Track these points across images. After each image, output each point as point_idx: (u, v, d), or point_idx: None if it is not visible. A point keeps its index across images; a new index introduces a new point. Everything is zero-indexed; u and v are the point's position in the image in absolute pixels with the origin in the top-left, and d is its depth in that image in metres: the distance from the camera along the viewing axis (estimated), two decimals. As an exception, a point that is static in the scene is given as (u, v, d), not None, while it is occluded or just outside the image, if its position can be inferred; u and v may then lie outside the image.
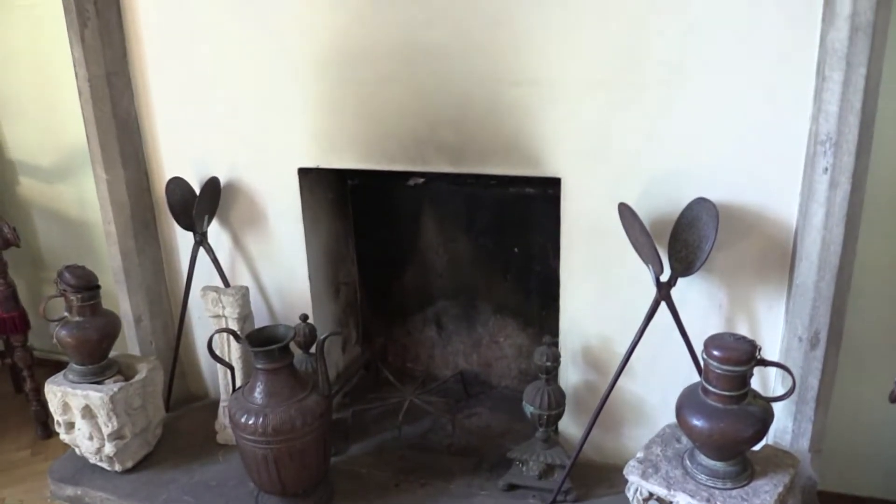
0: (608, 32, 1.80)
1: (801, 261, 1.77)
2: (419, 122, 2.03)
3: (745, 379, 1.52)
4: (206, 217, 2.32)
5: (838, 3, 1.57)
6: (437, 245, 2.57)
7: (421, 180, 2.42)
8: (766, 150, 1.77)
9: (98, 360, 2.21)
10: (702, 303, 1.93)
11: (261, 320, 2.38)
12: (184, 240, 2.46)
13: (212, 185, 2.29)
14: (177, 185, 2.32)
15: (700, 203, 1.79)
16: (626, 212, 1.81)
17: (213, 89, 2.24)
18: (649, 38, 1.77)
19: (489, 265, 2.51)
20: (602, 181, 1.92)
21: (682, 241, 1.81)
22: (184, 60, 2.26)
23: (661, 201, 1.87)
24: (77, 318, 2.16)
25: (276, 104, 2.17)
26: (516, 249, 2.43)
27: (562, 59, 1.85)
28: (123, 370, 2.28)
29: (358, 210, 2.60)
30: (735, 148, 1.79)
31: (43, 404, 2.56)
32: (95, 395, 2.14)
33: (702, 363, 1.57)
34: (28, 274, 3.10)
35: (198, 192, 2.32)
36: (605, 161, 1.90)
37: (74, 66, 2.28)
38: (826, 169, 1.66)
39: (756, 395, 1.57)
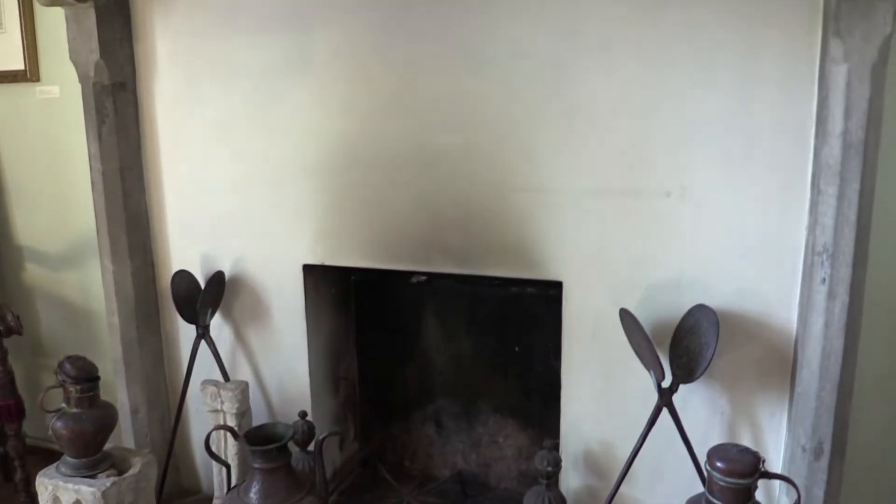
0: (609, 146, 1.87)
1: (802, 369, 1.77)
2: (425, 225, 2.08)
3: (749, 492, 1.50)
4: (210, 310, 2.33)
5: (830, 121, 1.63)
6: (438, 342, 2.57)
7: (424, 277, 2.45)
8: (764, 259, 1.80)
9: (92, 453, 2.17)
10: (704, 409, 1.92)
11: (259, 415, 2.36)
12: (185, 332, 2.47)
13: (217, 279, 2.31)
14: (182, 278, 2.35)
15: (700, 310, 1.81)
16: (626, 317, 1.83)
17: (223, 186, 2.30)
18: (649, 151, 1.83)
19: (490, 364, 2.51)
20: (603, 286, 1.94)
21: (684, 348, 1.82)
22: (195, 157, 2.33)
23: (661, 307, 1.89)
24: (74, 410, 2.13)
25: (285, 203, 2.23)
26: (517, 348, 2.44)
27: (564, 168, 1.91)
28: (117, 463, 2.24)
29: (360, 305, 2.62)
30: (734, 256, 1.82)
31: (32, 496, 2.50)
32: (87, 490, 2.10)
33: (705, 473, 1.55)
34: (27, 360, 3.08)
35: (203, 285, 2.34)
36: (606, 266, 1.93)
37: (90, 160, 2.35)
38: (824, 279, 1.69)
39: (761, 508, 1.55)
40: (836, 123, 1.62)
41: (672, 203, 1.84)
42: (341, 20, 2.06)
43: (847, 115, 1.60)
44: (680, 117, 1.80)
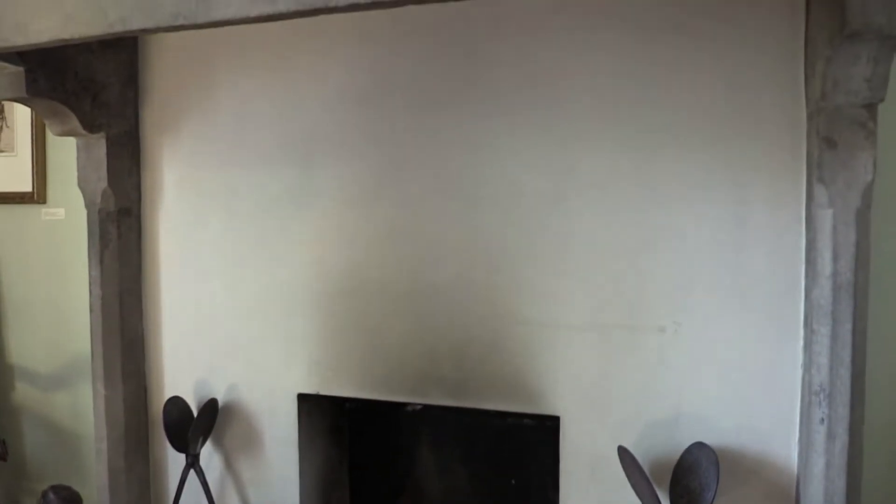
0: (603, 280, 1.90)
1: (805, 511, 1.73)
2: (421, 356, 2.09)
3: None
4: (201, 439, 2.29)
5: (819, 263, 1.67)
6: (432, 473, 2.51)
7: (419, 406, 2.42)
8: (761, 397, 1.80)
9: (71, 589, 2.09)
10: (707, 552, 1.86)
11: (246, 549, 2.28)
12: (175, 460, 2.41)
13: (210, 407, 2.29)
14: (174, 404, 2.32)
15: (699, 448, 1.79)
16: (625, 455, 1.81)
17: (220, 312, 2.31)
18: (643, 286, 1.87)
19: (485, 497, 2.44)
20: (600, 422, 1.93)
21: (684, 487, 1.79)
22: (195, 283, 2.35)
23: (659, 444, 1.87)
24: (55, 543, 2.07)
25: (282, 331, 2.24)
26: (514, 481, 2.38)
27: (558, 302, 1.94)
28: None
29: (354, 434, 2.57)
30: (730, 393, 1.82)
31: None
32: None
33: None
34: (8, 482, 3.00)
35: (195, 412, 2.31)
36: (604, 402, 1.92)
37: (90, 284, 2.37)
38: (822, 420, 1.68)
39: None
40: (825, 265, 1.65)
41: (667, 338, 1.86)
42: (343, 155, 2.14)
43: (835, 257, 1.64)
44: (673, 254, 1.84)
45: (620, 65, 1.85)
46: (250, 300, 2.27)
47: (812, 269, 1.70)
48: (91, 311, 2.38)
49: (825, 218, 1.65)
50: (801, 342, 1.76)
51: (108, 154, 2.32)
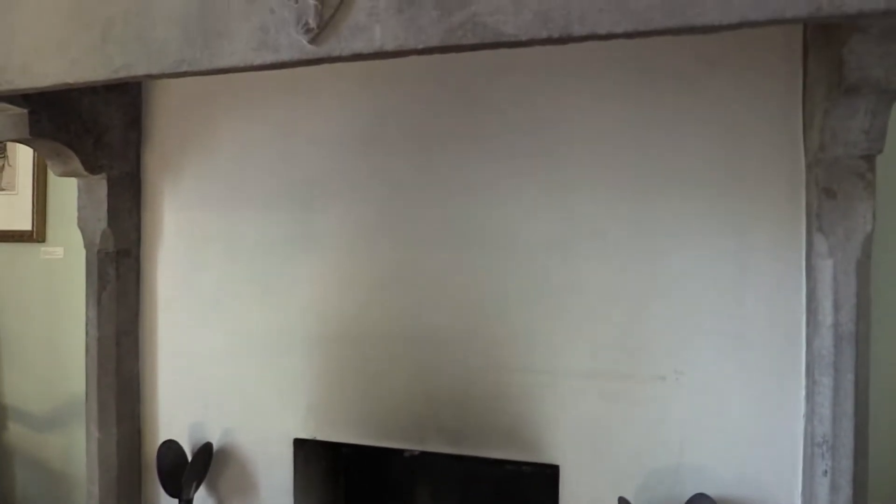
0: (604, 328, 1.89)
1: (810, 567, 1.70)
2: (419, 404, 2.07)
3: None
4: (195, 483, 2.25)
5: (820, 312, 1.66)
6: (429, 520, 2.47)
7: (417, 453, 2.39)
8: (763, 447, 1.77)
9: None
10: None
11: None
12: (167, 504, 2.38)
13: (205, 451, 2.25)
14: (169, 448, 2.29)
15: (700, 499, 1.76)
16: (626, 506, 1.78)
17: (218, 355, 2.29)
18: (643, 335, 1.86)
19: (484, 545, 2.40)
20: (600, 471, 1.90)
21: (685, 539, 1.76)
22: (193, 325, 2.34)
23: (660, 495, 1.84)
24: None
25: (279, 375, 2.22)
26: (512, 530, 2.34)
27: (559, 350, 1.93)
28: None
29: (350, 480, 2.53)
30: (732, 443, 1.79)
31: None
32: None
33: None
34: (-3, 527, 2.95)
35: (190, 456, 2.28)
36: (604, 451, 1.90)
37: (87, 325, 2.35)
38: (826, 472, 1.65)
39: None
40: (826, 315, 1.65)
41: (667, 387, 1.84)
42: (343, 199, 2.14)
43: (836, 307, 1.63)
44: (673, 303, 1.83)
45: (620, 111, 1.87)
46: (248, 343, 2.25)
47: (813, 319, 1.69)
48: (87, 352, 2.36)
49: (826, 268, 1.64)
50: (804, 392, 1.74)
51: (109, 195, 2.32)
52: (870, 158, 1.61)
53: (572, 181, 1.91)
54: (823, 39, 1.53)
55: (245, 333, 2.26)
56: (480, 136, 1.99)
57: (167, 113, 2.38)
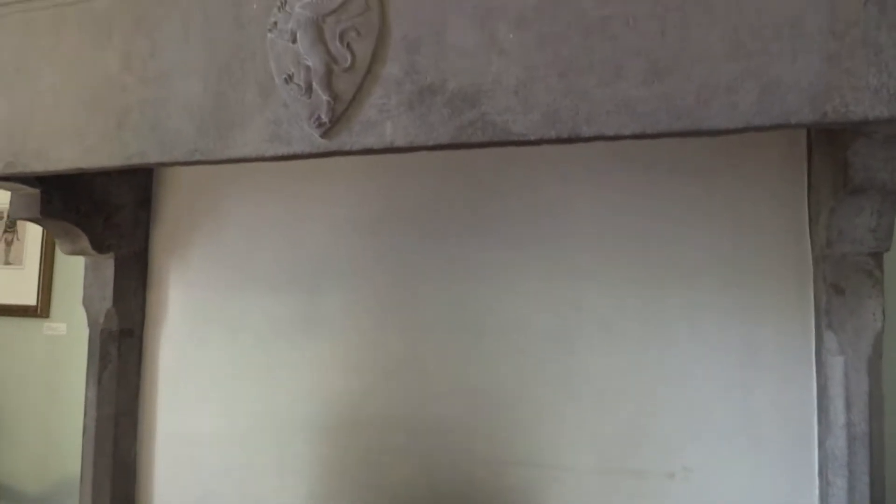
0: (610, 423, 1.86)
1: None
2: (422, 495, 2.01)
3: None
4: (187, 574, 2.19)
5: (832, 411, 1.63)
6: None
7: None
8: (777, 550, 1.72)
9: None
10: None
11: None
12: None
13: (199, 540, 2.19)
14: (163, 535, 2.23)
15: None
16: None
17: (217, 439, 2.25)
18: (650, 430, 1.82)
19: None
20: (608, 571, 1.84)
21: None
22: (193, 408, 2.30)
23: None
24: None
25: (279, 462, 2.17)
26: None
27: (564, 445, 1.89)
28: None
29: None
30: (745, 545, 1.74)
31: None
32: None
33: None
34: None
35: (183, 545, 2.22)
36: (612, 550, 1.84)
37: (86, 405, 2.32)
38: (843, 579, 1.60)
39: None
40: (838, 414, 1.62)
41: (676, 485, 1.79)
42: (349, 284, 2.14)
43: (848, 406, 1.61)
44: (680, 397, 1.80)
45: (626, 202, 1.88)
46: (248, 428, 2.21)
47: (825, 417, 1.66)
48: (84, 432, 2.32)
49: (836, 365, 1.62)
50: (817, 492, 1.69)
51: (116, 274, 2.33)
52: (877, 255, 1.61)
53: (579, 271, 1.91)
54: (827, 139, 1.55)
55: (246, 417, 2.22)
56: (487, 223, 2.00)
57: (177, 193, 2.41)
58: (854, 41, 1.20)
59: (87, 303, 2.36)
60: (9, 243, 2.97)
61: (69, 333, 2.78)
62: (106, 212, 2.27)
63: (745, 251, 1.78)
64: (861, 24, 1.20)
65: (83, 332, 2.38)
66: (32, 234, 2.92)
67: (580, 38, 1.30)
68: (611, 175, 1.90)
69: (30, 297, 2.90)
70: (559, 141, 1.30)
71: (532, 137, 1.30)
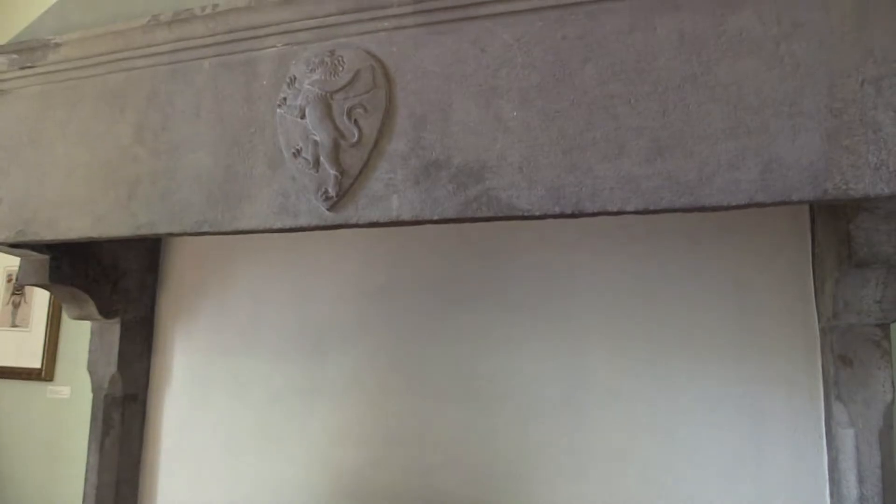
0: (619, 490, 1.82)
1: None
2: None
3: None
4: None
5: (844, 485, 1.60)
6: None
7: None
8: None
9: None
10: None
11: None
12: None
13: None
14: None
15: None
16: None
17: (219, 507, 2.23)
18: (659, 501, 1.79)
19: None
20: None
21: None
22: (194, 475, 2.28)
23: None
24: None
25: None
26: None
27: (573, 516, 1.86)
28: None
29: None
30: None
31: None
32: None
33: None
34: None
35: None
36: None
37: (87, 471, 2.30)
38: None
39: None
40: (850, 488, 1.59)
41: (688, 560, 1.75)
42: (355, 350, 2.14)
43: (861, 479, 1.58)
44: (688, 467, 1.78)
45: (631, 270, 1.89)
46: (251, 497, 2.18)
47: (837, 491, 1.63)
48: (84, 499, 2.30)
49: (847, 437, 1.60)
50: (834, 571, 1.65)
51: (122, 339, 2.33)
52: (884, 326, 1.60)
53: (586, 339, 1.90)
54: (830, 210, 1.56)
55: (247, 485, 2.19)
56: (492, 291, 2.00)
57: (185, 258, 2.43)
58: (852, 119, 1.22)
59: (91, 367, 2.36)
60: (16, 305, 2.98)
61: (73, 397, 2.76)
62: (114, 277, 2.29)
63: (750, 320, 1.78)
64: (858, 103, 1.22)
65: (87, 396, 2.38)
66: (40, 297, 2.93)
67: (583, 116, 1.32)
68: (616, 243, 1.91)
69: (35, 360, 2.89)
70: (563, 216, 1.32)
71: (537, 213, 1.32)
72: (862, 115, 1.21)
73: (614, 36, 1.34)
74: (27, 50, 1.87)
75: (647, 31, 1.32)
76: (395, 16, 1.47)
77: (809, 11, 1.25)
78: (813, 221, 1.75)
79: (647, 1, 1.33)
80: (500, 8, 1.40)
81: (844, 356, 1.62)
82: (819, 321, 1.73)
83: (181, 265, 2.42)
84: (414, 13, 1.45)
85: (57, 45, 1.83)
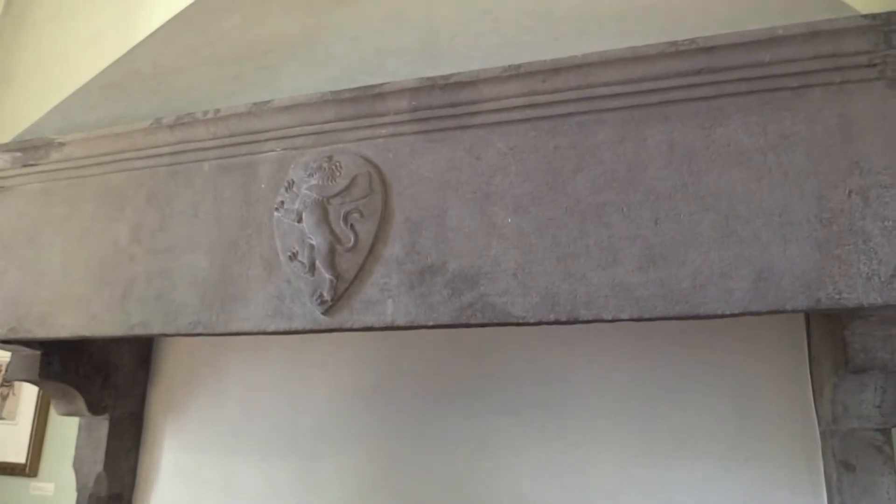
0: None
1: None
2: None
3: None
4: None
5: None
6: None
7: None
8: None
9: None
10: None
11: None
12: None
13: None
14: None
15: None
16: None
17: None
18: None
19: None
20: None
21: None
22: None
23: None
24: None
25: None
26: None
27: None
28: None
29: None
30: None
31: None
32: None
33: None
34: None
35: None
36: None
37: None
38: None
39: None
40: None
41: None
42: (347, 450, 2.09)
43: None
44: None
45: (628, 374, 1.87)
46: None
47: None
48: None
49: (856, 544, 1.56)
50: None
51: (110, 435, 2.28)
52: (886, 431, 1.58)
53: (581, 443, 1.87)
54: (825, 314, 1.56)
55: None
56: (488, 393, 1.98)
57: (177, 353, 2.40)
58: (842, 229, 1.24)
59: (77, 465, 2.30)
60: (3, 397, 2.93)
61: (57, 494, 2.68)
62: (105, 372, 2.26)
63: (750, 424, 1.75)
64: (847, 213, 1.24)
65: (71, 494, 2.31)
66: (28, 389, 2.88)
67: (576, 224, 1.34)
68: (612, 344, 1.90)
69: (19, 455, 2.82)
70: (558, 323, 1.32)
71: (531, 320, 1.32)
72: (851, 225, 1.23)
73: (606, 146, 1.37)
74: (31, 148, 1.90)
75: (637, 142, 1.35)
76: (391, 123, 1.51)
77: (794, 124, 1.29)
78: (808, 323, 1.75)
79: (636, 112, 1.37)
80: (494, 118, 1.44)
81: (847, 462, 1.59)
82: (819, 425, 1.70)
83: (174, 360, 2.40)
84: (410, 121, 1.49)
85: (61, 144, 1.86)
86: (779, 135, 1.29)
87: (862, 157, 1.25)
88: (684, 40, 1.32)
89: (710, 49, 1.31)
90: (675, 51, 1.32)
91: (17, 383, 2.90)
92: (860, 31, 1.26)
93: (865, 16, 1.27)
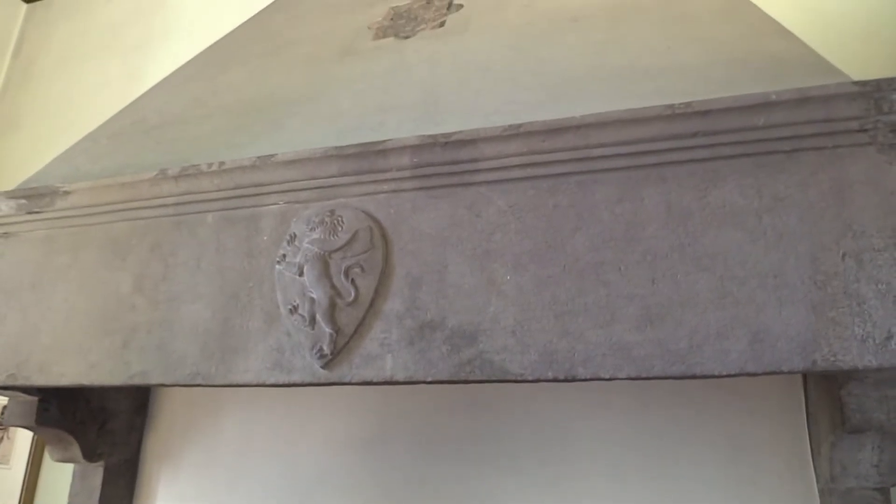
0: None
1: None
2: None
3: None
4: None
5: None
6: None
7: None
8: None
9: None
10: None
11: None
12: None
13: None
14: None
15: None
16: None
17: None
18: None
19: None
20: None
21: None
22: None
23: None
24: None
25: None
26: None
27: None
28: None
29: None
30: None
31: None
32: None
33: None
34: None
35: None
36: None
37: None
38: None
39: None
40: None
41: None
42: (344, 493, 2.07)
43: None
44: None
45: (627, 428, 1.87)
46: None
47: None
48: None
49: None
50: None
51: (104, 483, 2.27)
52: (884, 490, 1.57)
53: (580, 498, 1.86)
54: (822, 375, 1.57)
55: None
56: (486, 447, 1.97)
57: (175, 400, 2.40)
58: (836, 292, 1.25)
59: (70, 513, 2.28)
60: (-2, 441, 2.91)
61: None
62: (101, 419, 2.26)
63: (748, 481, 1.75)
64: (841, 276, 1.26)
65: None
66: (23, 433, 2.86)
67: (574, 283, 1.36)
68: (611, 402, 1.90)
69: (13, 499, 2.79)
70: (556, 380, 1.32)
71: (529, 377, 1.33)
72: (846, 288, 1.25)
73: (604, 205, 1.39)
74: (36, 196, 1.92)
75: (635, 202, 1.38)
76: (393, 179, 1.54)
77: (788, 187, 1.31)
78: (806, 382, 1.76)
79: (634, 172, 1.39)
80: (494, 176, 1.46)
81: (847, 523, 1.58)
82: (818, 483, 1.70)
83: (170, 407, 2.39)
84: (412, 177, 1.52)
85: (66, 192, 1.88)
86: (773, 197, 1.32)
87: (855, 220, 1.27)
88: (680, 103, 1.35)
89: (705, 112, 1.34)
90: (671, 114, 1.35)
91: (12, 427, 2.88)
92: (851, 98, 1.29)
93: (856, 82, 1.30)
